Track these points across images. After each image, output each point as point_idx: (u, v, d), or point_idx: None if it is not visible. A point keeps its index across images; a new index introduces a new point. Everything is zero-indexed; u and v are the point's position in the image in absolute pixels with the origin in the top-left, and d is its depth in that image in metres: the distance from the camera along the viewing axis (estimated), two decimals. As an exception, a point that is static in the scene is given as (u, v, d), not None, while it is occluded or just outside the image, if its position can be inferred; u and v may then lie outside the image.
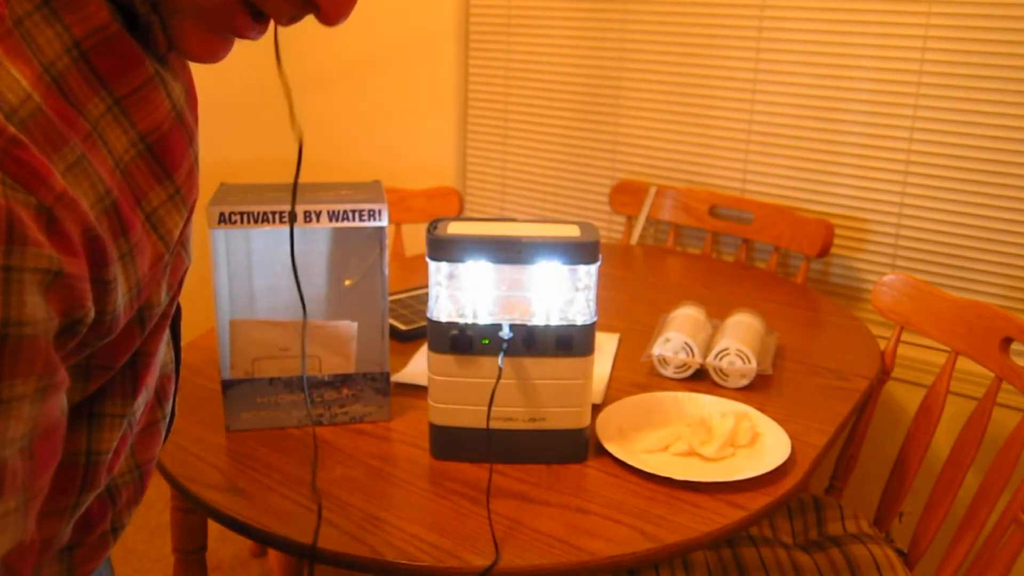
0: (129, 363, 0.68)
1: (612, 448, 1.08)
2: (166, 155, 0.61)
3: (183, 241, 0.68)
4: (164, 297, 0.66)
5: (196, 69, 0.93)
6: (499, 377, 1.03)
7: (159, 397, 0.79)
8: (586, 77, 2.20)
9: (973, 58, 1.67)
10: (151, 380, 0.75)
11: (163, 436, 0.83)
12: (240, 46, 0.67)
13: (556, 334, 1.03)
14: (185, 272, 0.71)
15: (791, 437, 1.11)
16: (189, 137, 0.65)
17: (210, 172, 2.62)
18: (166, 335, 0.78)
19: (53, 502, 0.68)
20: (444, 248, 1.02)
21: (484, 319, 1.04)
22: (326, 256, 1.20)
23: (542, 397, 1.05)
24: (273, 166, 2.83)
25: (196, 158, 0.68)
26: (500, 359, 1.03)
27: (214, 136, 2.61)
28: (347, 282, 1.10)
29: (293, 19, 0.62)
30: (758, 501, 1.00)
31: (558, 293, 1.03)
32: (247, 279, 1.19)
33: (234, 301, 1.17)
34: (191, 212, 0.67)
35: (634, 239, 2.15)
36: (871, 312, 1.84)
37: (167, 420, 0.83)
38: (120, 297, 0.56)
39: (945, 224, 1.77)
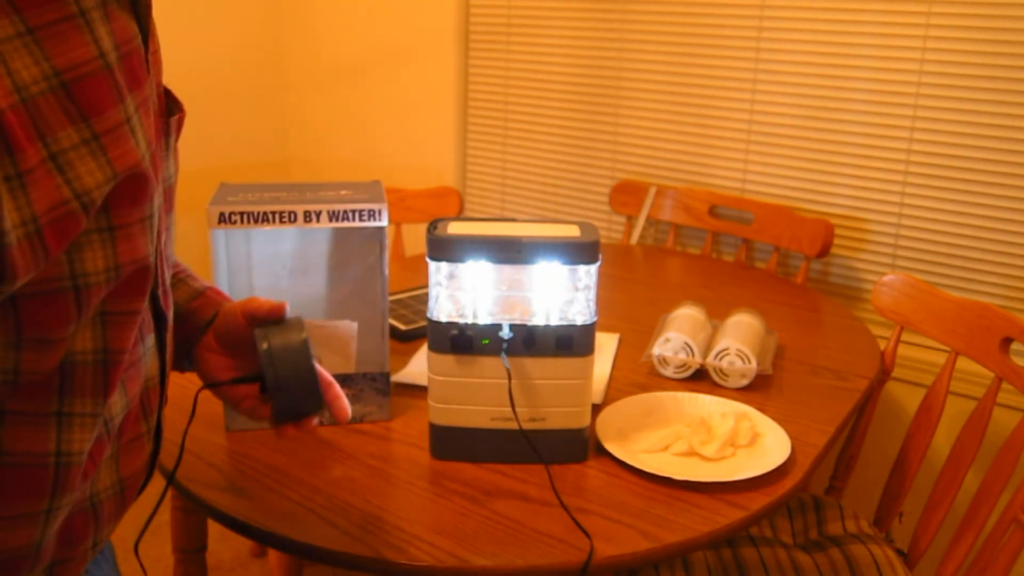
0: (95, 360, 0.67)
1: (612, 448, 1.08)
2: (83, 97, 0.60)
3: (138, 222, 0.67)
4: (106, 270, 0.64)
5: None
6: (509, 377, 1.03)
7: (144, 409, 0.78)
8: (586, 77, 2.20)
9: (973, 58, 1.67)
10: (131, 384, 0.74)
11: (149, 451, 0.81)
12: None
13: (556, 334, 1.03)
14: (144, 264, 0.69)
15: (791, 437, 1.11)
16: (119, 94, 0.63)
17: (210, 172, 2.62)
18: (150, 344, 0.77)
19: (24, 506, 0.67)
20: (444, 248, 1.02)
21: (484, 319, 1.04)
22: (326, 256, 1.20)
23: (542, 397, 1.05)
24: (273, 166, 2.83)
25: (139, 125, 0.66)
26: (504, 360, 1.03)
27: (214, 136, 2.61)
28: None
29: None
30: (758, 501, 1.00)
31: (558, 293, 1.03)
32: (247, 279, 1.19)
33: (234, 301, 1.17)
34: (143, 187, 0.65)
35: (634, 239, 2.15)
36: (871, 312, 1.84)
37: (152, 434, 0.81)
38: (8, 217, 0.54)
39: (945, 224, 1.77)
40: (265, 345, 0.84)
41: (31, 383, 0.64)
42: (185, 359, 0.95)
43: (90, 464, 0.71)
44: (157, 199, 0.70)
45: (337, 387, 0.91)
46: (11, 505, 0.66)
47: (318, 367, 0.88)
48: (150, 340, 0.76)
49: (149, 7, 0.69)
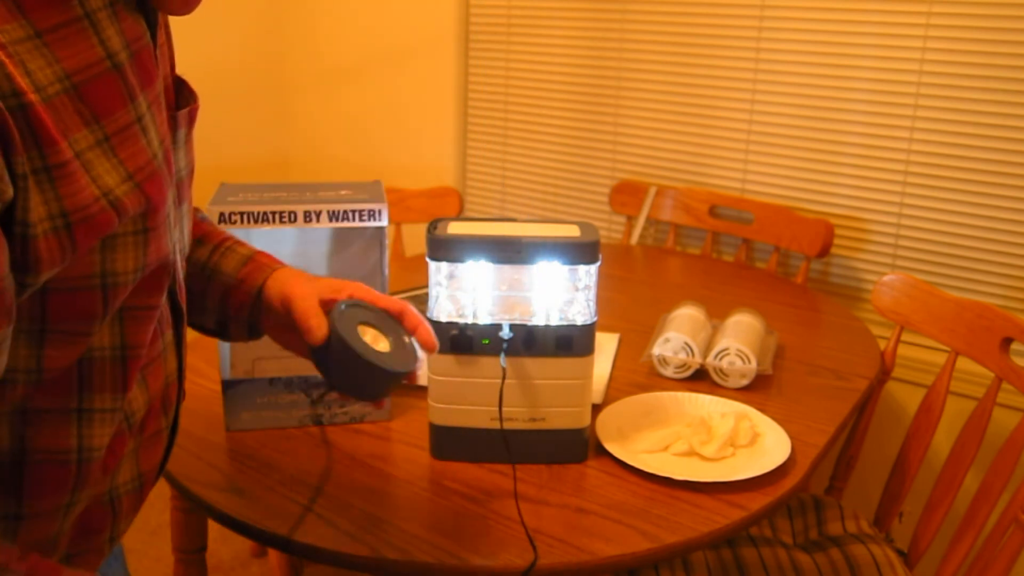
0: (112, 356, 0.68)
1: (612, 448, 1.08)
2: (93, 99, 0.60)
3: (163, 221, 0.67)
4: (135, 270, 0.66)
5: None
6: (504, 377, 1.03)
7: (163, 405, 0.79)
8: (586, 77, 2.20)
9: (973, 58, 1.67)
10: (153, 379, 0.75)
11: (166, 445, 0.82)
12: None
13: (556, 334, 1.03)
14: (166, 261, 0.69)
15: (791, 437, 1.11)
16: (130, 94, 0.64)
17: (210, 172, 2.62)
18: (169, 339, 0.78)
19: (46, 502, 0.68)
20: (444, 248, 1.02)
21: (484, 319, 1.04)
22: (326, 256, 1.20)
23: (542, 397, 1.05)
24: (273, 166, 2.83)
25: (152, 122, 0.66)
26: (502, 359, 1.03)
27: (214, 136, 2.61)
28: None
29: None
30: (758, 501, 1.00)
31: (558, 293, 1.03)
32: (247, 279, 1.19)
33: (234, 301, 1.17)
34: (160, 184, 0.66)
35: (634, 239, 2.15)
36: (871, 312, 1.84)
37: (170, 429, 0.82)
38: (35, 210, 0.55)
39: (945, 224, 1.77)
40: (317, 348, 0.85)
41: (52, 380, 0.64)
42: (247, 330, 0.95)
43: (111, 458, 0.71)
44: (172, 194, 0.71)
45: (414, 314, 0.90)
46: (34, 502, 0.67)
47: (391, 317, 0.88)
48: (169, 335, 0.77)
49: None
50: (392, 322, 0.90)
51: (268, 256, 0.96)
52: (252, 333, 0.96)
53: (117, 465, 0.73)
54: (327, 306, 0.87)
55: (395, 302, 0.91)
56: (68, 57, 0.59)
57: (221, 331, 0.97)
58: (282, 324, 0.91)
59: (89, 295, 0.62)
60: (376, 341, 0.87)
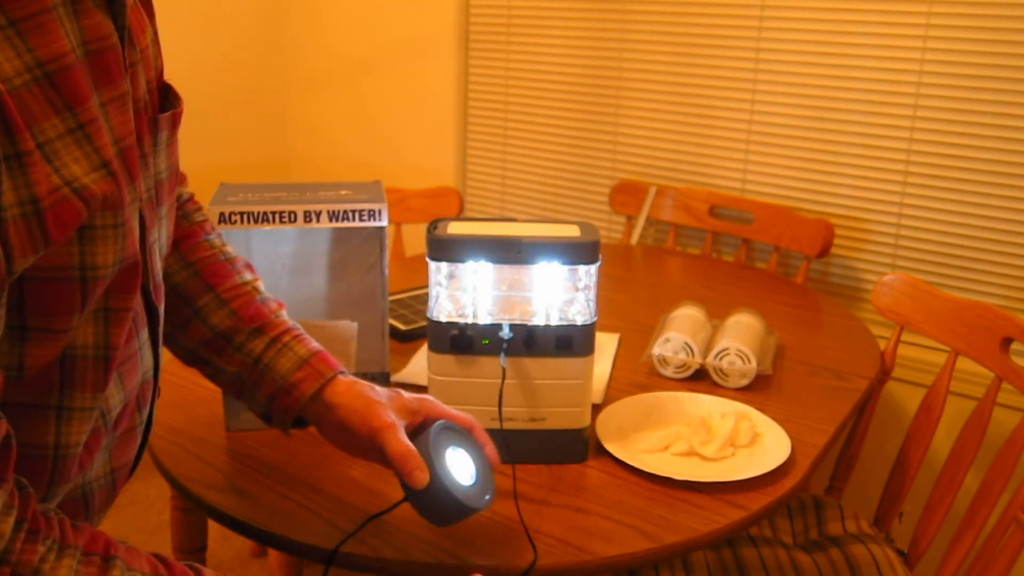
0: (95, 355, 0.69)
1: (612, 448, 1.08)
2: (66, 87, 0.61)
3: (131, 217, 0.67)
4: (113, 264, 0.66)
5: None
6: (504, 377, 1.03)
7: (139, 402, 0.79)
8: (586, 77, 2.20)
9: (973, 58, 1.67)
10: (128, 378, 0.75)
11: (139, 442, 0.83)
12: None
13: (556, 334, 1.03)
14: (136, 259, 0.69)
15: (791, 437, 1.11)
16: (91, 88, 0.64)
17: (210, 172, 2.62)
18: (145, 338, 0.78)
19: None
20: (444, 248, 1.02)
21: (484, 319, 1.04)
22: (326, 256, 1.20)
23: (542, 397, 1.05)
24: (273, 166, 2.83)
25: (106, 121, 0.66)
26: (502, 359, 1.03)
27: (214, 136, 2.61)
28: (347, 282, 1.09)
29: None
30: (758, 501, 1.00)
31: (558, 293, 1.03)
32: (247, 279, 1.19)
33: (234, 301, 1.17)
34: (120, 183, 0.66)
35: (634, 239, 2.15)
36: (871, 312, 1.84)
37: (143, 426, 0.83)
38: (6, 194, 0.56)
39: (945, 224, 1.77)
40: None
41: (33, 377, 0.65)
42: (288, 427, 0.95)
43: (86, 455, 0.72)
44: (131, 193, 0.71)
45: (481, 431, 0.92)
46: None
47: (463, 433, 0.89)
48: (144, 334, 0.77)
49: (124, 6, 0.69)
50: (469, 440, 0.91)
51: (324, 359, 0.93)
52: (291, 426, 0.96)
53: (91, 461, 0.74)
54: (408, 429, 0.89)
55: (465, 417, 0.92)
56: (41, 46, 0.59)
57: (265, 420, 0.97)
58: (344, 432, 0.91)
59: (67, 286, 0.63)
60: (462, 468, 0.88)
